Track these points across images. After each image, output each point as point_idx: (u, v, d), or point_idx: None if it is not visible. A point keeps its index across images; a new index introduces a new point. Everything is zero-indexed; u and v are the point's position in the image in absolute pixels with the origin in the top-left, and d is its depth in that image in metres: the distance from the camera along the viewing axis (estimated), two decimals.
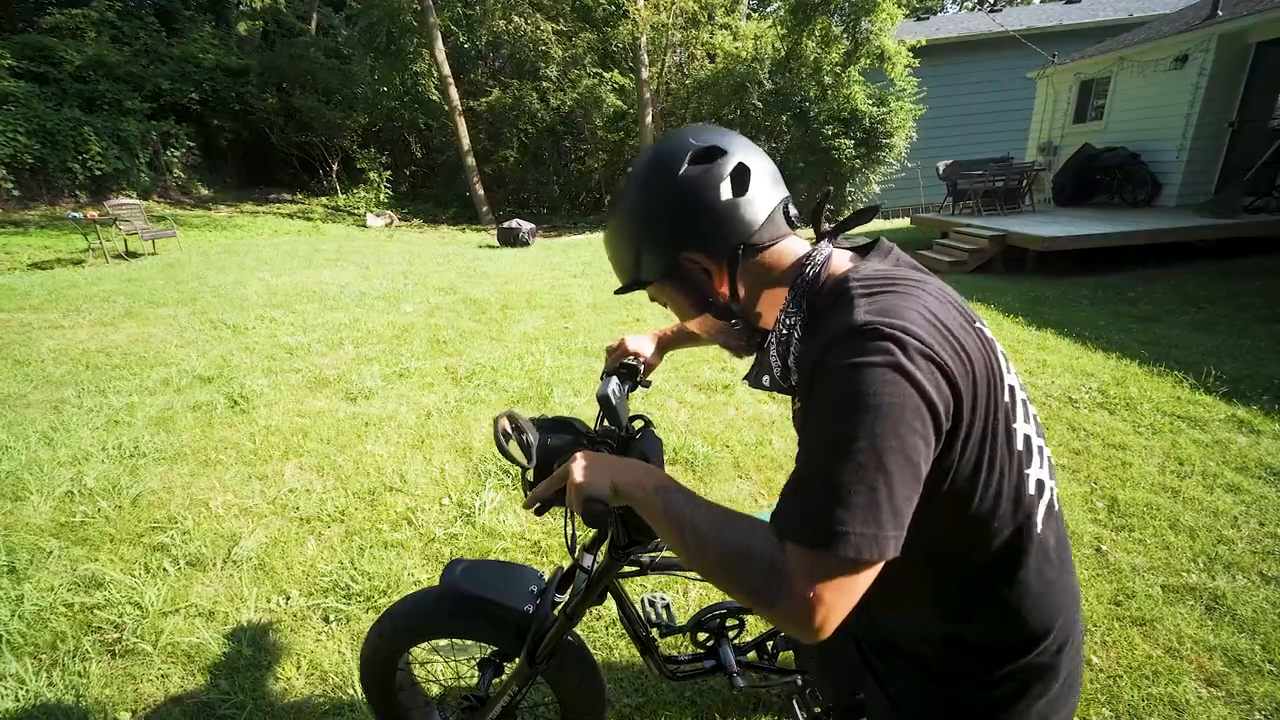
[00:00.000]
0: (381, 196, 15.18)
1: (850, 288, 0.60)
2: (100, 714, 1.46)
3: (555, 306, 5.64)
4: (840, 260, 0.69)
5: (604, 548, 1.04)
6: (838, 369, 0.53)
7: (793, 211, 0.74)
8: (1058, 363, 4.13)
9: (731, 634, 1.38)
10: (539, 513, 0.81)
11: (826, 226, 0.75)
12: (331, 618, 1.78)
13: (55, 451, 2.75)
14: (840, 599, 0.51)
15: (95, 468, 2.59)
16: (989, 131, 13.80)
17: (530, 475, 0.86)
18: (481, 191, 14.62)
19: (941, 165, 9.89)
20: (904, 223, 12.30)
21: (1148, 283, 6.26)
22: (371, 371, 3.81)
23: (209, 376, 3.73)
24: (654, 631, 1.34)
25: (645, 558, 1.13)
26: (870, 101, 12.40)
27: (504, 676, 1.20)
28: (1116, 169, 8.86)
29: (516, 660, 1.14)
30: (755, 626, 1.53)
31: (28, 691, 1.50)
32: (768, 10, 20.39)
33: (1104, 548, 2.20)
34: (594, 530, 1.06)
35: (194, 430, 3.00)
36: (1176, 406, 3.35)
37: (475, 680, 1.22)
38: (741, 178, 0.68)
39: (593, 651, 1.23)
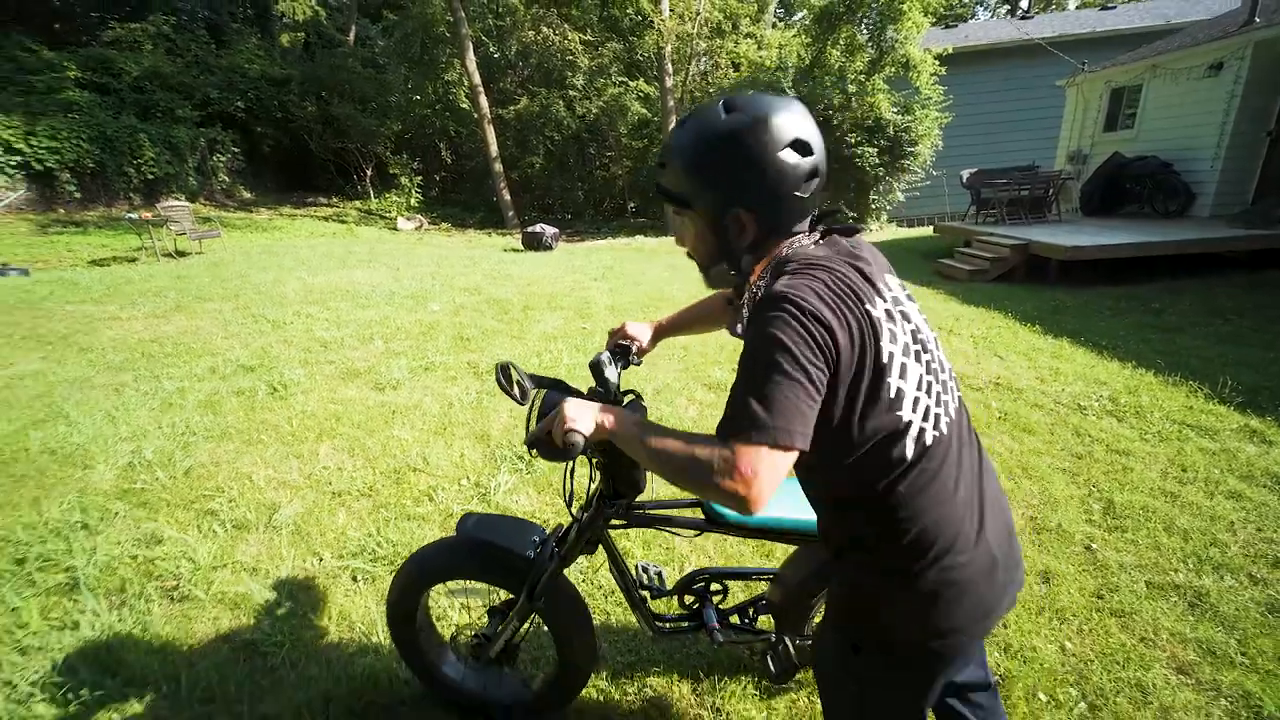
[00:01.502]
0: (412, 201, 15.71)
1: (784, 265, 0.81)
2: (161, 645, 1.67)
3: (574, 308, 5.83)
4: (802, 245, 0.86)
5: (595, 502, 1.21)
6: (758, 319, 0.75)
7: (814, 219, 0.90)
8: (1071, 371, 4.13)
9: (716, 599, 1.52)
10: (545, 457, 0.97)
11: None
12: (359, 577, 1.97)
13: (117, 428, 3.03)
14: (767, 474, 0.70)
15: (152, 443, 2.86)
16: (1017, 140, 13.60)
17: (532, 423, 1.03)
18: (508, 197, 15.00)
19: (965, 174, 9.82)
20: (927, 231, 12.21)
21: (1174, 294, 6.15)
22: (399, 364, 4.04)
23: (251, 366, 4.01)
24: (645, 594, 1.49)
25: (631, 515, 1.29)
26: (895, 110, 12.37)
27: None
28: (1147, 178, 8.68)
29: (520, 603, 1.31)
30: (736, 595, 1.66)
31: (103, 623, 1.73)
32: (793, 19, 20.48)
33: (1094, 546, 2.25)
34: (589, 490, 1.23)
35: (238, 413, 3.26)
36: (1188, 415, 3.34)
37: (484, 624, 1.38)
38: (812, 178, 0.82)
39: (592, 617, 1.38)
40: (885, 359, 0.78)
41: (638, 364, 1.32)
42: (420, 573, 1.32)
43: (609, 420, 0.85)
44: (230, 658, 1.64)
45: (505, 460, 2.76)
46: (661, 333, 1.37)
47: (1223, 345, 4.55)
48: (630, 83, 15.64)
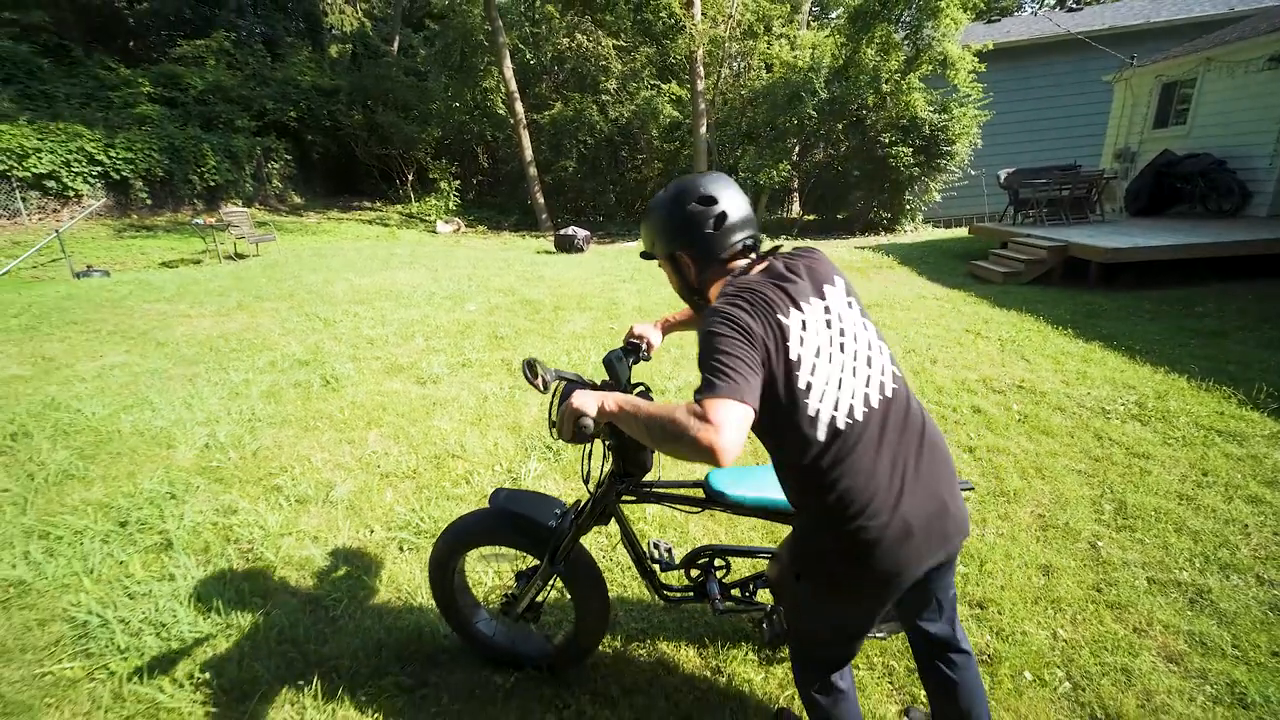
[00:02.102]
0: (450, 204, 16.29)
1: (725, 289, 1.06)
2: (241, 596, 1.95)
3: (603, 309, 6.05)
4: (744, 273, 1.11)
5: (606, 479, 1.40)
6: (702, 326, 1.02)
7: (755, 243, 1.18)
8: (1099, 375, 4.10)
9: (720, 574, 1.69)
10: (565, 439, 1.18)
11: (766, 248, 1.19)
12: (405, 547, 2.22)
13: (193, 413, 3.40)
14: (731, 423, 0.88)
15: (224, 428, 3.20)
16: (1061, 138, 13.17)
17: (553, 412, 1.22)
18: (541, 200, 15.40)
19: (1003, 173, 9.60)
20: (962, 232, 11.96)
21: (1223, 298, 5.93)
22: (438, 361, 4.34)
23: (306, 360, 4.37)
24: (655, 567, 1.67)
25: (639, 492, 1.48)
26: (931, 108, 12.15)
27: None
28: (1199, 176, 8.32)
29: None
30: (739, 571, 1.82)
31: (194, 577, 2.02)
32: (830, 18, 20.24)
33: (1100, 544, 2.31)
34: (605, 471, 1.42)
35: (296, 403, 3.59)
36: (1217, 421, 3.30)
37: (513, 587, 1.59)
38: (720, 222, 1.13)
39: (606, 584, 1.57)
40: (794, 358, 1.00)
41: (648, 359, 1.50)
42: (458, 538, 1.53)
43: (608, 403, 1.04)
44: (298, 608, 1.91)
45: (535, 449, 2.98)
46: (668, 329, 1.57)
47: (1267, 351, 4.40)
48: (662, 86, 15.81)
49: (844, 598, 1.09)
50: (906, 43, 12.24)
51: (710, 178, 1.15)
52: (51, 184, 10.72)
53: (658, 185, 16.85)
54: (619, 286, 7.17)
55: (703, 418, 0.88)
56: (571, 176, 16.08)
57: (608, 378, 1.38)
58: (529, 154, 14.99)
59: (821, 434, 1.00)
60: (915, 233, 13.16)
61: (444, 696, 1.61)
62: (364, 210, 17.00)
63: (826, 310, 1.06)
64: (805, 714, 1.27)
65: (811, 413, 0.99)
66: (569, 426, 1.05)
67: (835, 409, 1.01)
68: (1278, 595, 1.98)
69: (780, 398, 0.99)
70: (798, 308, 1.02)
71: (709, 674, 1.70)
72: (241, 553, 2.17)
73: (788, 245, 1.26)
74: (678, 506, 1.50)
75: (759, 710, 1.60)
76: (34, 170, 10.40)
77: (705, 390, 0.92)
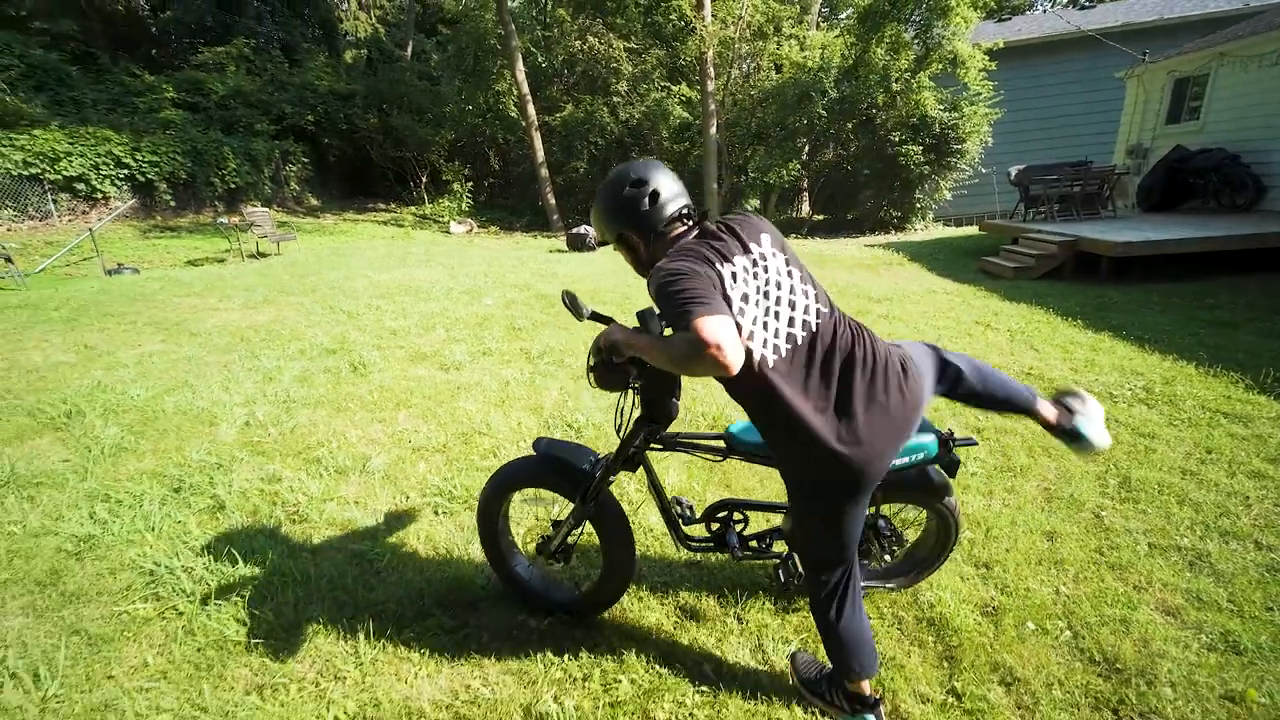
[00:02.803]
0: (463, 205, 16.54)
1: (670, 251, 1.25)
2: (292, 552, 2.09)
3: (616, 302, 6.18)
4: (684, 240, 1.29)
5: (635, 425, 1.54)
6: (653, 278, 1.17)
7: (689, 211, 1.34)
8: (1107, 362, 4.16)
9: (738, 526, 1.81)
10: (601, 386, 1.40)
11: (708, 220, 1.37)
12: (439, 511, 2.36)
13: (231, 396, 3.57)
14: (725, 337, 1.02)
15: (261, 408, 3.37)
16: (1072, 135, 13.14)
17: (590, 359, 1.38)
18: (553, 200, 15.59)
19: (1013, 170, 9.63)
20: (973, 230, 11.97)
21: (1235, 290, 5.95)
22: (460, 349, 4.49)
23: (333, 349, 4.54)
24: (679, 522, 1.80)
25: (665, 440, 1.61)
26: (941, 107, 12.19)
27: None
28: (1212, 171, 8.31)
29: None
30: (755, 525, 1.93)
31: (247, 535, 2.17)
32: (839, 18, 20.30)
33: (1103, 514, 2.40)
34: (633, 419, 1.55)
35: (327, 386, 3.76)
36: (1223, 404, 3.36)
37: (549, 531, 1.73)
38: (655, 199, 1.30)
39: (632, 532, 1.70)
40: (728, 302, 1.16)
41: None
42: (504, 480, 1.68)
43: (631, 339, 1.24)
44: (345, 562, 2.05)
45: (557, 428, 3.11)
46: None
47: (1277, 341, 4.44)
48: (672, 87, 15.97)
49: (826, 502, 1.28)
50: (916, 42, 12.30)
51: (640, 164, 1.33)
52: (81, 186, 11.07)
53: None
54: (631, 282, 7.31)
55: (699, 334, 1.02)
56: (582, 178, 16.26)
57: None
58: (541, 156, 15.20)
59: (754, 367, 1.17)
60: (925, 231, 13.19)
61: (484, 635, 1.75)
62: (379, 212, 17.30)
63: (753, 263, 1.23)
64: (821, 638, 1.39)
65: (758, 346, 1.18)
66: (605, 356, 1.20)
67: (764, 346, 1.18)
68: (1275, 558, 2.06)
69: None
70: (728, 260, 1.19)
71: (731, 621, 1.82)
72: (288, 514, 2.32)
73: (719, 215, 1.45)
74: (703, 455, 1.62)
75: (776, 650, 1.71)
76: (65, 173, 10.75)
77: (683, 320, 1.05)
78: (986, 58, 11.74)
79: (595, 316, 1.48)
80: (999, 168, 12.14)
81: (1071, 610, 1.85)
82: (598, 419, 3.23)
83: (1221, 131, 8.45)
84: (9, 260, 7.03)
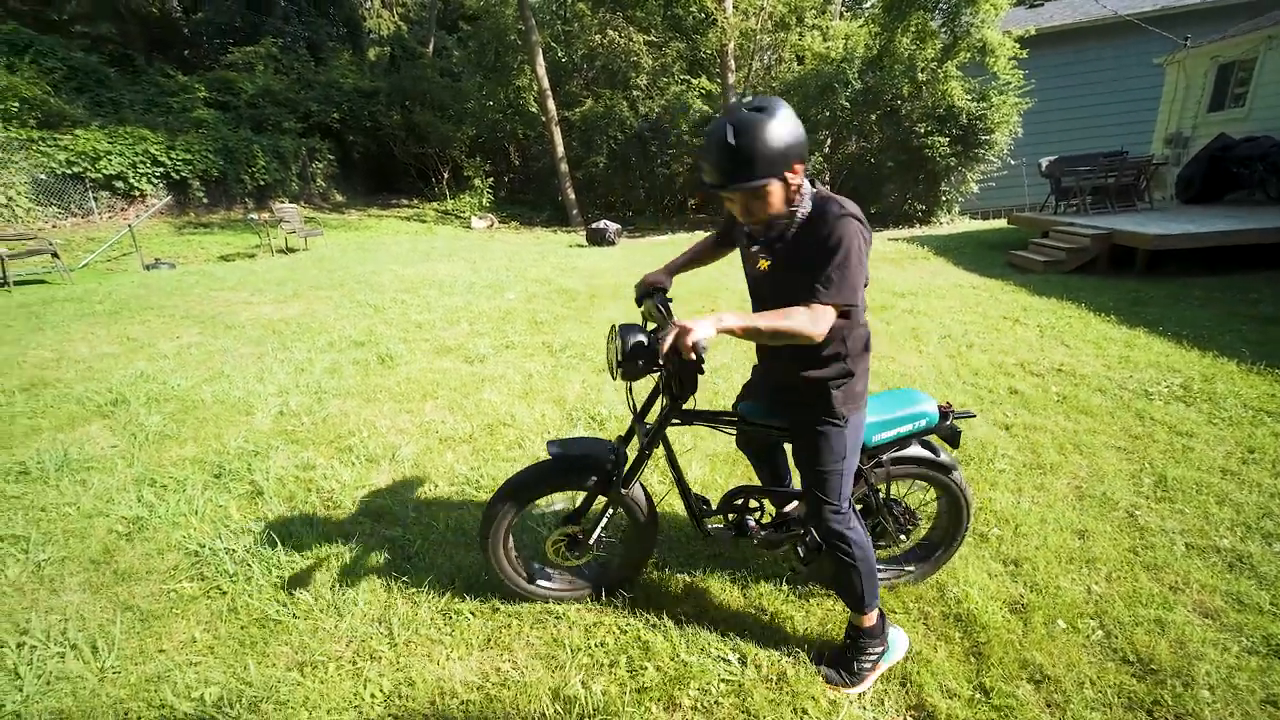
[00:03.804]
0: (484, 201, 16.70)
1: (843, 205, 1.30)
2: (326, 536, 2.17)
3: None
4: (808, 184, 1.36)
5: (661, 402, 1.58)
6: (846, 227, 1.27)
7: None
8: (1143, 359, 4.05)
9: (755, 515, 1.83)
10: (630, 377, 1.39)
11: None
12: (468, 499, 2.41)
13: (265, 386, 3.69)
14: (830, 324, 1.25)
15: (294, 398, 3.47)
16: (1107, 124, 12.71)
17: (613, 355, 1.41)
18: (572, 195, 15.64)
19: (1044, 161, 9.36)
20: (1001, 223, 11.67)
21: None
22: (484, 343, 4.56)
23: (361, 341, 4.65)
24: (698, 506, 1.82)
25: (685, 414, 1.64)
26: (969, 97, 11.89)
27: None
28: (1258, 160, 7.95)
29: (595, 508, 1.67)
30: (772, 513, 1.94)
31: (283, 519, 2.25)
32: (864, 8, 19.89)
33: (1138, 513, 2.34)
34: (645, 400, 1.60)
35: (356, 377, 3.86)
36: (1267, 403, 3.25)
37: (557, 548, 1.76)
38: None
39: (657, 511, 1.73)
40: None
41: (670, 300, 1.67)
42: (519, 490, 1.66)
43: (729, 321, 1.23)
44: (378, 546, 2.11)
45: (580, 419, 3.15)
46: (674, 270, 1.77)
47: None
48: (692, 80, 15.84)
49: (854, 404, 1.47)
50: (944, 30, 12.00)
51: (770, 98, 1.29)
52: (120, 184, 11.45)
53: (688, 180, 16.94)
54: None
55: (816, 319, 1.22)
56: (602, 172, 16.27)
57: (655, 319, 1.55)
58: (560, 151, 15.24)
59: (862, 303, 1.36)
60: (951, 224, 12.90)
61: (511, 621, 1.79)
62: (402, 207, 17.56)
63: None
64: (842, 583, 1.57)
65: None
66: (684, 354, 1.19)
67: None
68: None
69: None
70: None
71: (753, 611, 1.83)
72: (323, 501, 2.40)
73: None
74: (719, 427, 1.66)
75: (800, 640, 1.72)
76: (104, 172, 11.13)
77: (830, 293, 1.23)
78: (1017, 45, 11.40)
79: (634, 328, 1.47)
80: (1029, 159, 11.81)
81: (1104, 609, 1.82)
82: (620, 411, 3.26)
83: (1269, 118, 8.10)
84: (55, 256, 7.33)
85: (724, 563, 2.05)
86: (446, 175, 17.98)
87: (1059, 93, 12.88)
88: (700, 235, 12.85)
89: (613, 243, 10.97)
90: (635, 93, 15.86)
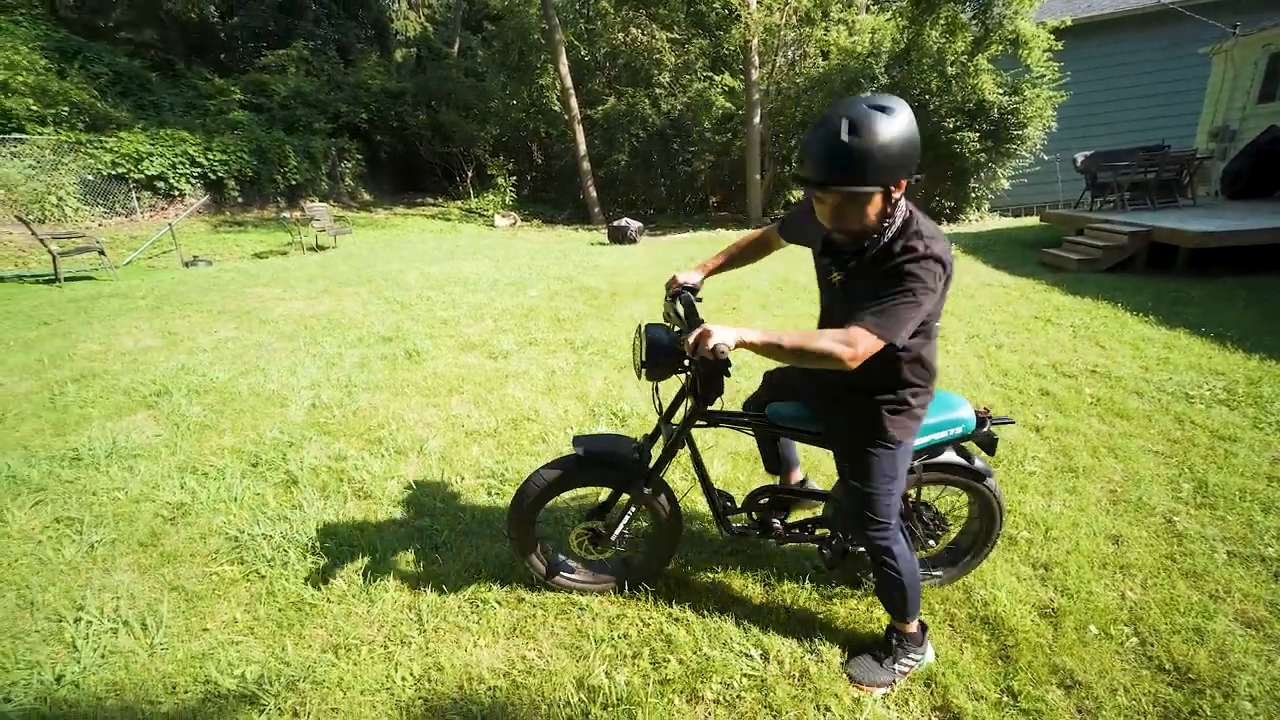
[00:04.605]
0: (506, 200, 16.87)
1: (937, 241, 1.22)
2: (359, 525, 2.24)
3: (658, 295, 6.20)
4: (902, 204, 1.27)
5: (686, 403, 1.59)
6: (921, 266, 1.19)
7: None
8: (1183, 361, 3.91)
9: (780, 514, 1.83)
10: (656, 377, 1.41)
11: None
12: (493, 492, 2.46)
13: (298, 379, 3.80)
14: (868, 356, 1.18)
15: (326, 391, 3.58)
16: (1147, 117, 12.24)
17: (640, 354, 1.41)
18: (594, 194, 15.70)
19: (1079, 157, 9.07)
20: (1033, 220, 11.35)
21: None
22: (507, 339, 4.62)
23: (389, 337, 4.76)
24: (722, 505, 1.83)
25: (710, 416, 1.65)
26: (1001, 91, 11.58)
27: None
28: None
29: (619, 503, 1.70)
30: (797, 514, 1.94)
31: (317, 508, 2.34)
32: (891, 2, 19.51)
33: (1176, 519, 2.27)
34: (670, 400, 1.61)
35: (384, 372, 3.95)
36: None
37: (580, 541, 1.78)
38: None
39: (681, 510, 1.75)
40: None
41: (699, 300, 1.67)
42: (545, 486, 1.68)
43: (748, 335, 1.20)
44: (407, 536, 2.18)
45: (603, 415, 3.18)
46: (709, 272, 1.75)
47: None
48: (715, 77, 15.75)
49: (908, 430, 1.44)
50: (975, 22, 11.70)
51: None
52: (160, 184, 11.90)
53: (710, 177, 16.86)
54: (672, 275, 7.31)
55: (851, 345, 1.14)
56: (623, 170, 16.29)
57: (679, 320, 1.54)
58: (583, 149, 15.31)
59: (937, 326, 1.35)
60: (981, 222, 12.60)
61: (537, 612, 1.82)
62: (427, 206, 17.87)
63: None
64: (886, 595, 1.57)
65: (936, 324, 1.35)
66: (707, 355, 1.19)
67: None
68: None
69: (929, 319, 1.30)
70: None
71: (778, 611, 1.83)
72: (354, 490, 2.48)
73: None
74: (742, 429, 1.66)
75: (822, 638, 1.71)
76: (146, 172, 11.58)
77: (874, 323, 1.16)
78: (1052, 37, 11.05)
79: (663, 327, 1.48)
80: (1063, 154, 11.45)
81: (1139, 616, 1.78)
82: (642, 408, 3.28)
83: None
84: (102, 253, 7.66)
85: (745, 559, 2.05)
86: (470, 174, 18.22)
87: (1096, 85, 12.45)
88: (722, 233, 12.79)
89: (634, 241, 10.98)
90: (658, 90, 15.83)
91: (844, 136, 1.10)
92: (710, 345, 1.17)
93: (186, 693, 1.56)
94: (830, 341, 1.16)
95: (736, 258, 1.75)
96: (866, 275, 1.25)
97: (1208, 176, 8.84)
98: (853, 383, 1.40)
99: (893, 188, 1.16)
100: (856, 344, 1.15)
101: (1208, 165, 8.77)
